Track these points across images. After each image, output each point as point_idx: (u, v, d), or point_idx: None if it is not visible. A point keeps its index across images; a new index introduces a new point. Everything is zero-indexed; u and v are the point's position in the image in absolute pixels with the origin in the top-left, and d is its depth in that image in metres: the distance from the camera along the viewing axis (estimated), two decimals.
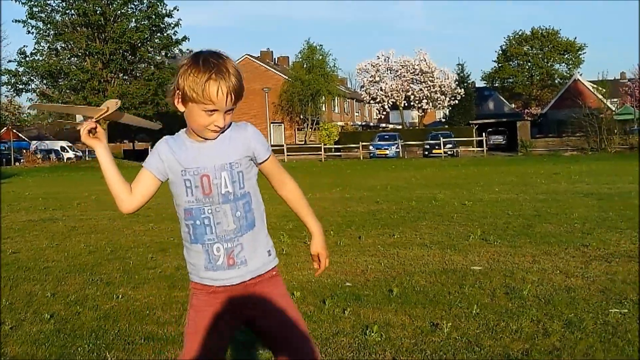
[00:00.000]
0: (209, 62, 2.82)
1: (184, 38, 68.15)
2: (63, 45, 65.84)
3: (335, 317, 6.08)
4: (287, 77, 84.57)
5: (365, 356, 5.03)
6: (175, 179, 3.00)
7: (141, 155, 66.28)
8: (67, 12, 64.54)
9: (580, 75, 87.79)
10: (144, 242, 11.34)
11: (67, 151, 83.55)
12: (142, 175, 3.04)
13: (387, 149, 59.38)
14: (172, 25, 67.36)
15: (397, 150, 60.01)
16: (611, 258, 8.71)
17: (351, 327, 5.74)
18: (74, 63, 65.69)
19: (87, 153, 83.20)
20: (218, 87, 2.78)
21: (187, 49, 69.79)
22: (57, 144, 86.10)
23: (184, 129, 3.04)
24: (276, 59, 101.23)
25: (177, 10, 67.78)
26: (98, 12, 63.05)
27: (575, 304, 6.49)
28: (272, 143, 70.43)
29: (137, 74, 67.96)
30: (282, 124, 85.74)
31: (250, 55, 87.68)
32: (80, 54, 65.42)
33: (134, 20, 65.61)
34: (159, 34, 67.32)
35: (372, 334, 5.47)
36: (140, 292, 7.47)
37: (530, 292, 6.90)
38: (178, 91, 2.88)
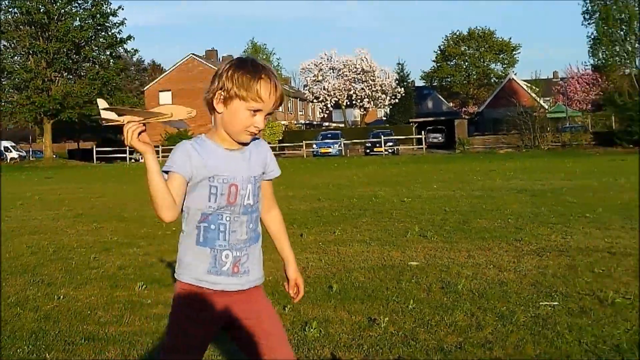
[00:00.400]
0: (258, 64, 2.88)
1: (129, 37, 67.44)
2: (6, 44, 64.65)
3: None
4: None
5: (304, 352, 5.04)
6: (198, 183, 2.91)
7: (86, 155, 65.33)
8: (10, 10, 63.41)
9: (515, 74, 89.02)
10: (87, 242, 11.18)
11: (11, 151, 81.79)
12: (176, 181, 2.88)
13: (329, 147, 59.45)
14: (117, 25, 66.60)
15: (340, 148, 60.15)
16: (542, 252, 8.86)
17: (291, 324, 5.74)
18: (17, 62, 64.55)
19: (30, 153, 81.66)
20: (269, 87, 2.85)
21: (132, 48, 69.07)
22: (0, 145, 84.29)
23: (204, 134, 2.99)
24: (221, 58, 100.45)
25: (122, 9, 66.93)
26: (42, 10, 62.07)
27: (507, 297, 6.59)
28: None
29: (82, 73, 67.04)
30: None
31: (195, 55, 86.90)
32: (23, 53, 64.31)
33: (78, 19, 64.71)
34: (103, 33, 66.47)
35: (311, 330, 5.48)
36: (82, 292, 7.36)
37: (464, 287, 6.98)
38: (220, 91, 2.87)
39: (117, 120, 2.96)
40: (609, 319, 5.71)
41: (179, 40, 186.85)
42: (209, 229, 2.91)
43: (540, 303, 6.31)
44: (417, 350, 5.02)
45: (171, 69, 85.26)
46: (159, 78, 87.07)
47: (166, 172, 2.86)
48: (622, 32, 48.98)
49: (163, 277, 7.80)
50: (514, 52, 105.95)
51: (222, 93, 2.86)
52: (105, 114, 3.00)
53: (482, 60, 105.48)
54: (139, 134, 2.79)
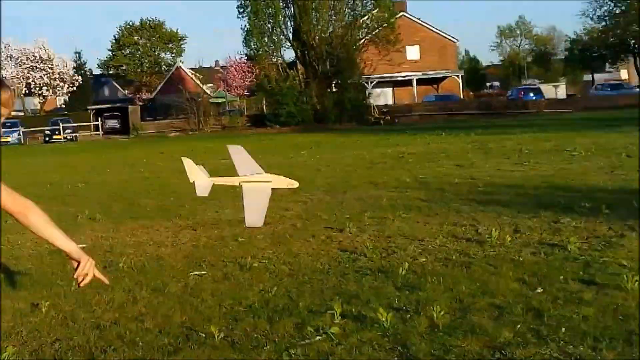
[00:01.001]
0: None
1: None
2: None
3: None
4: None
5: None
6: None
7: None
8: None
9: (182, 63, 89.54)
10: None
11: None
12: None
13: (8, 135, 55.28)
14: None
15: (19, 137, 56.23)
16: (197, 226, 9.10)
17: None
18: None
19: None
20: (10, 95, 2.79)
21: None
22: None
23: None
24: None
25: None
26: None
27: (163, 270, 6.70)
28: None
29: None
30: None
31: None
32: None
33: None
34: None
35: None
36: None
37: (125, 264, 6.97)
38: None
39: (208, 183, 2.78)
40: (247, 282, 6.06)
41: None
42: None
43: (191, 273, 6.50)
44: (75, 331, 4.94)
45: None
46: None
47: None
48: (269, 25, 51.02)
49: None
50: (181, 42, 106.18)
51: None
52: (193, 176, 2.84)
53: (153, 50, 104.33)
54: None
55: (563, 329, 4.35)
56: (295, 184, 3.03)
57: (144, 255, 7.48)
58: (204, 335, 4.69)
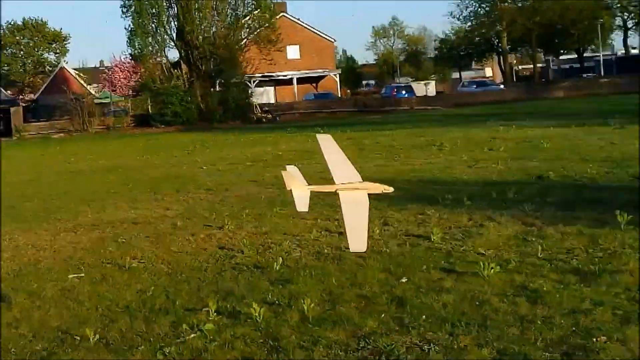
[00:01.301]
0: None
1: None
2: None
3: None
4: None
5: None
6: None
7: None
8: None
9: (66, 63, 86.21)
10: None
11: None
12: None
13: None
14: None
15: None
16: (78, 228, 8.79)
17: None
18: None
19: None
20: None
21: None
22: None
23: None
24: None
25: None
26: None
27: (40, 274, 6.45)
28: None
29: None
30: None
31: None
32: None
33: None
34: None
35: None
36: None
37: (1, 269, 6.65)
38: None
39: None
40: (125, 283, 5.92)
41: None
42: None
43: (69, 276, 6.29)
44: None
45: None
46: None
47: None
48: (153, 25, 49.69)
49: None
50: (65, 42, 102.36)
51: None
52: (291, 184, 2.93)
53: (36, 50, 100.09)
54: None
55: (424, 317, 4.49)
56: (390, 189, 2.98)
57: (21, 259, 7.17)
58: (79, 338, 4.55)
